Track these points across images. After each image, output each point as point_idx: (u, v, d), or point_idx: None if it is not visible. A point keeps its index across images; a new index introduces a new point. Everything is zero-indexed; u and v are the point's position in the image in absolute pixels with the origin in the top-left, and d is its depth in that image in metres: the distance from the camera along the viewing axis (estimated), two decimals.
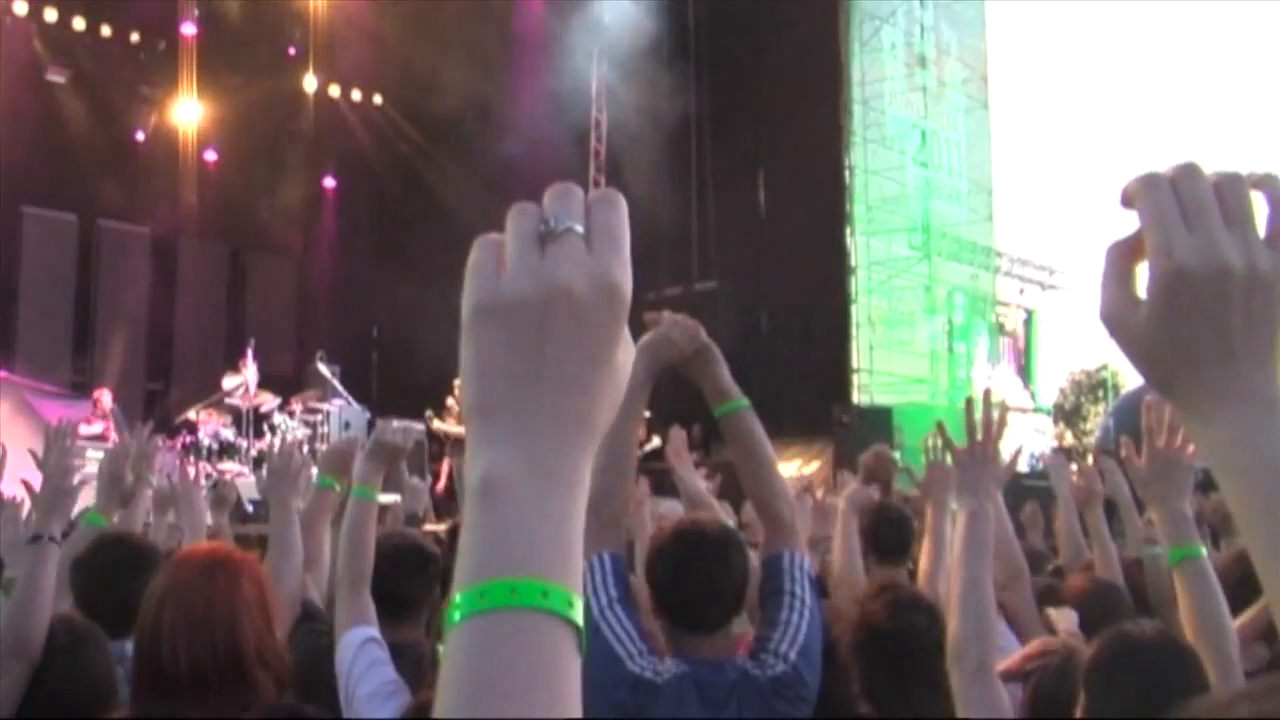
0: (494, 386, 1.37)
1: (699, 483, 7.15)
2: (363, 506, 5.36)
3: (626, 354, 1.45)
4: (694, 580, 4.29)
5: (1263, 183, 1.57)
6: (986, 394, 4.37)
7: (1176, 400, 1.62)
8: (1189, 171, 1.58)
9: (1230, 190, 1.57)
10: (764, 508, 4.61)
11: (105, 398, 20.46)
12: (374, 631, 4.94)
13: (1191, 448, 4.28)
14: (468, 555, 1.31)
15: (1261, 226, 1.55)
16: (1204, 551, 4.31)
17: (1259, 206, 1.56)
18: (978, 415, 4.31)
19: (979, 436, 4.30)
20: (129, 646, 5.14)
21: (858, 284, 24.55)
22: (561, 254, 1.41)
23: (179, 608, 3.72)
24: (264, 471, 7.01)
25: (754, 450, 4.61)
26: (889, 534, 6.93)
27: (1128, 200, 1.60)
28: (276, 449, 6.34)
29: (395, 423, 6.06)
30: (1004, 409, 4.34)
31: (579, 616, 1.28)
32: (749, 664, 4.24)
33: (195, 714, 3.64)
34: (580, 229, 1.44)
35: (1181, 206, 1.57)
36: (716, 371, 4.62)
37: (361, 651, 4.54)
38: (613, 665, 4.14)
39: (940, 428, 4.47)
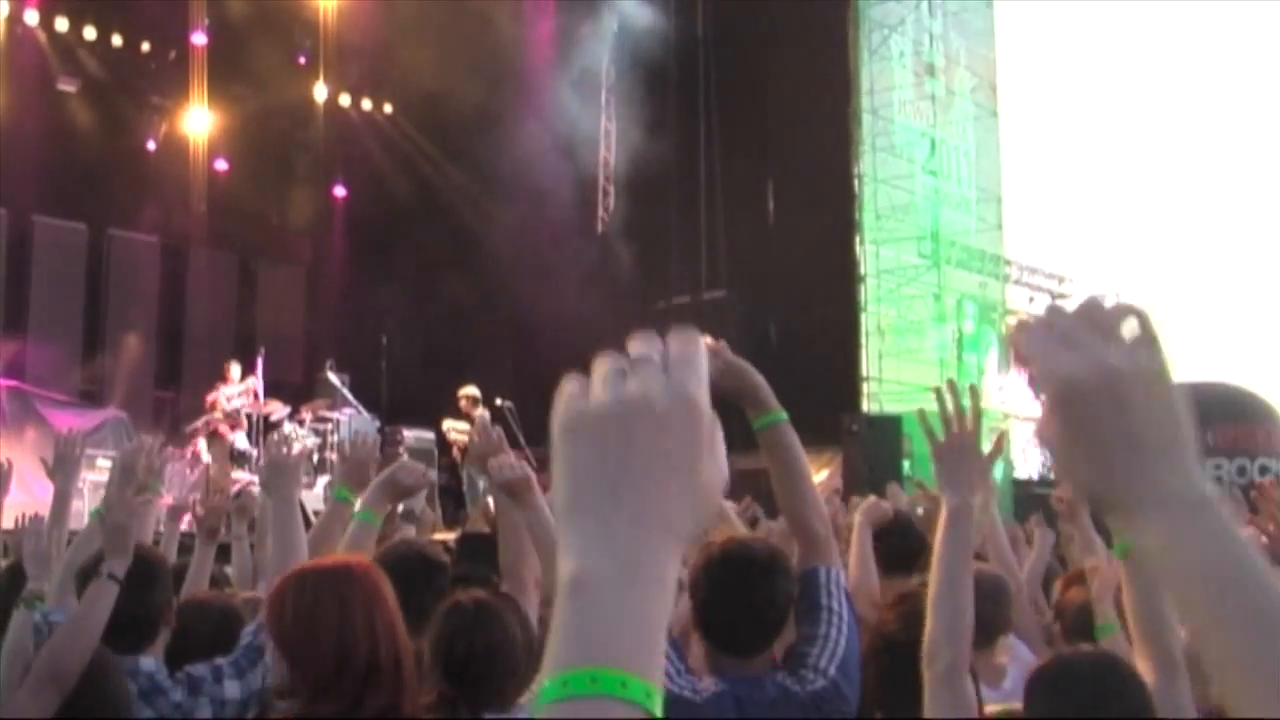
0: (582, 491, 1.47)
1: (723, 501, 7.11)
2: (365, 528, 5.45)
3: (714, 467, 1.54)
4: (738, 606, 4.28)
5: (1126, 308, 1.65)
6: (951, 384, 4.30)
7: (1105, 509, 1.68)
8: (1053, 309, 1.74)
9: (1095, 311, 1.71)
10: (799, 522, 4.61)
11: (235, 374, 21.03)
12: None
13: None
14: (556, 645, 1.40)
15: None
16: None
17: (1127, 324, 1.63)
18: (949, 406, 4.23)
19: (955, 428, 4.21)
20: (143, 663, 5.16)
21: (867, 292, 24.50)
22: (641, 376, 1.50)
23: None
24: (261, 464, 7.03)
25: (791, 464, 4.59)
26: (895, 546, 6.92)
27: (1018, 358, 1.75)
28: (273, 441, 6.34)
29: (414, 463, 6.05)
30: (976, 396, 4.27)
31: (657, 708, 1.36)
32: (788, 680, 4.24)
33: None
34: (657, 358, 1.52)
35: (1057, 335, 1.72)
36: (752, 383, 4.56)
37: None
38: None
39: (921, 415, 4.40)
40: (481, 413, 19.23)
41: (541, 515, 5.29)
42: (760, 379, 4.57)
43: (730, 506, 7.44)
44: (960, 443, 4.20)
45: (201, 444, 20.34)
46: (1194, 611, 1.59)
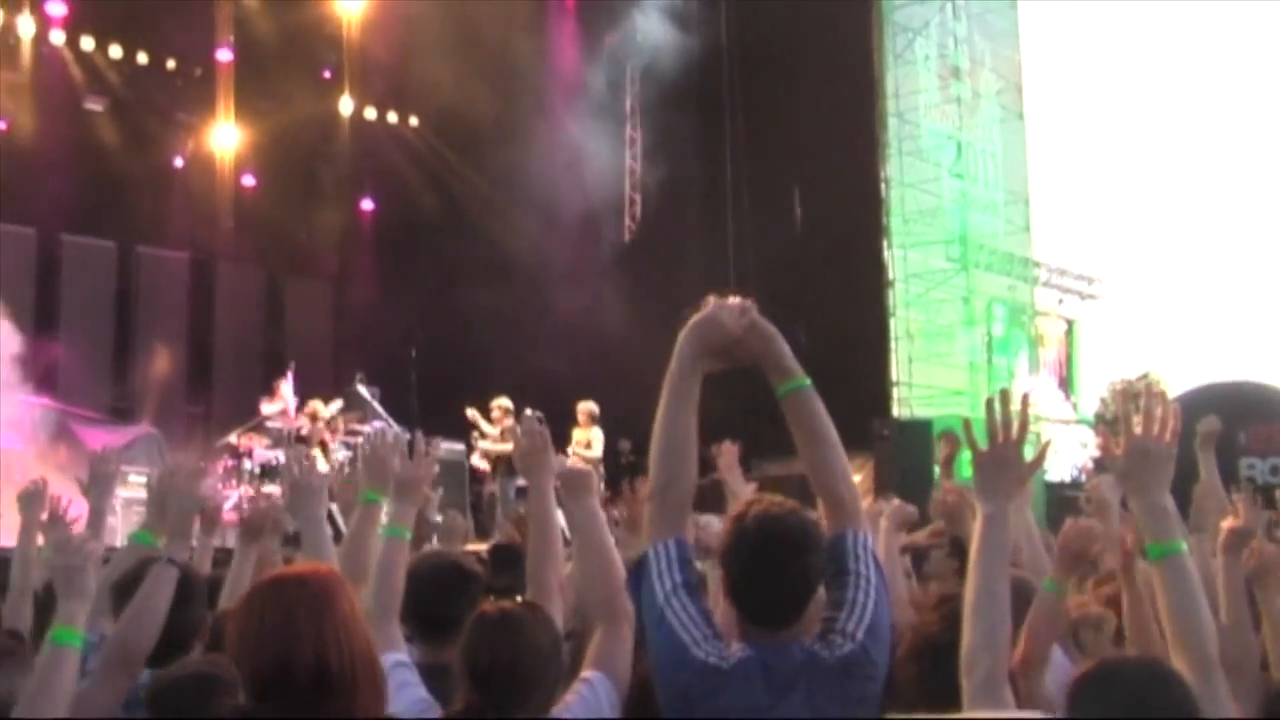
0: None
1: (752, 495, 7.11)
2: (395, 545, 5.46)
3: None
4: (768, 578, 4.25)
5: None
6: (1004, 394, 4.27)
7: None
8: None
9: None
10: (824, 488, 4.57)
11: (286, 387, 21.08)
12: (402, 656, 5.01)
13: (1170, 435, 4.25)
14: None
15: None
16: (1185, 547, 4.25)
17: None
18: (999, 415, 4.19)
19: (1000, 437, 4.18)
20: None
21: (895, 297, 24.48)
22: None
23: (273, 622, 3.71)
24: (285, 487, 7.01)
25: (816, 430, 4.58)
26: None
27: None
28: (291, 463, 6.32)
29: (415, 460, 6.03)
30: (1025, 406, 4.22)
31: None
32: (817, 645, 4.21)
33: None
34: None
35: None
36: (777, 349, 4.62)
37: (390, 675, 4.53)
38: (679, 652, 4.16)
39: (966, 426, 4.38)
40: (513, 424, 19.18)
41: (594, 518, 5.29)
42: (785, 345, 4.63)
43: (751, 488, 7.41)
44: (1003, 452, 4.17)
45: (316, 453, 20.31)
46: None
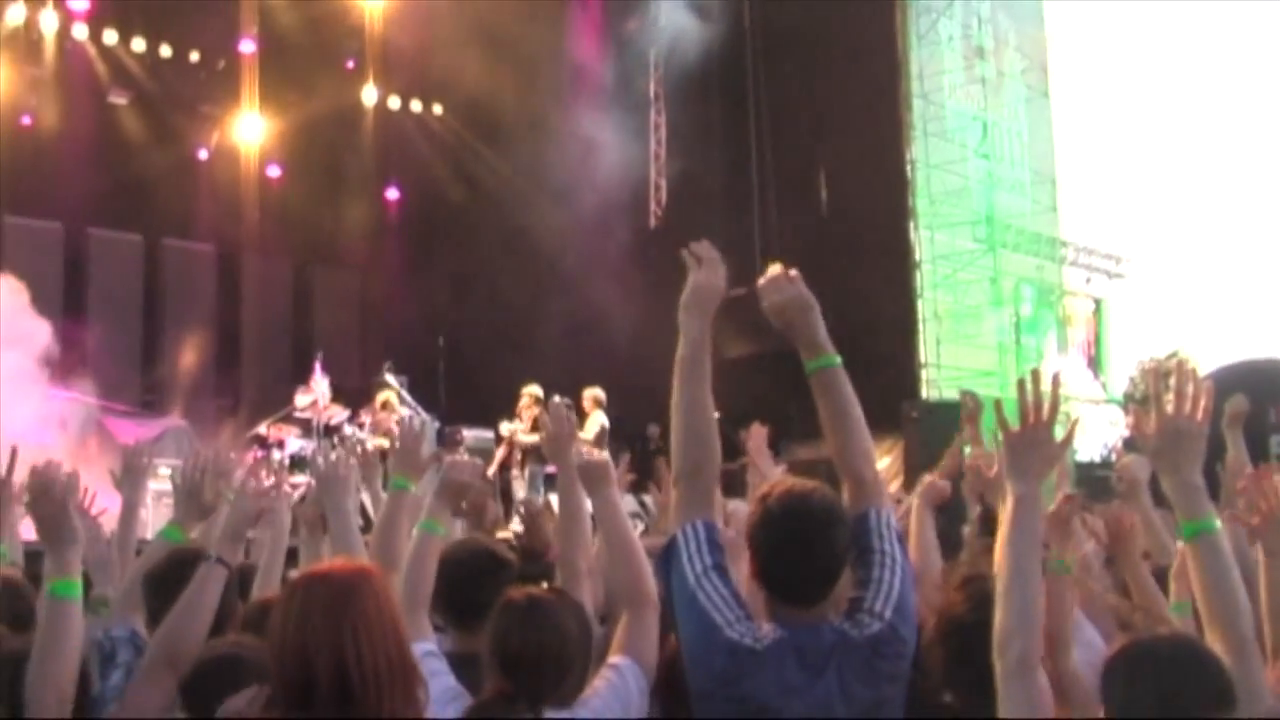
0: None
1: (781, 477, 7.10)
2: (428, 540, 5.44)
3: None
4: (796, 556, 4.28)
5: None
6: (1035, 374, 4.25)
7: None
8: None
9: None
10: (847, 467, 4.61)
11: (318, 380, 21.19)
12: (431, 646, 4.98)
13: (1202, 414, 4.24)
14: None
15: None
16: (1218, 525, 4.24)
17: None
18: (1030, 395, 4.17)
19: (1031, 418, 4.16)
20: None
21: (923, 279, 24.41)
22: None
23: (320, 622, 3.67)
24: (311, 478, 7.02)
25: (842, 408, 4.62)
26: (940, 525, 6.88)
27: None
28: (319, 455, 6.31)
29: (463, 459, 6.04)
30: (1056, 387, 4.20)
31: None
32: (846, 625, 4.26)
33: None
34: None
35: None
36: (813, 323, 4.65)
37: (420, 664, 4.53)
38: (711, 633, 4.20)
39: (998, 407, 4.38)
40: (542, 411, 19.19)
41: (613, 508, 5.32)
42: (820, 322, 4.64)
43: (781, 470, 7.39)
44: (1034, 433, 4.15)
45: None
46: None
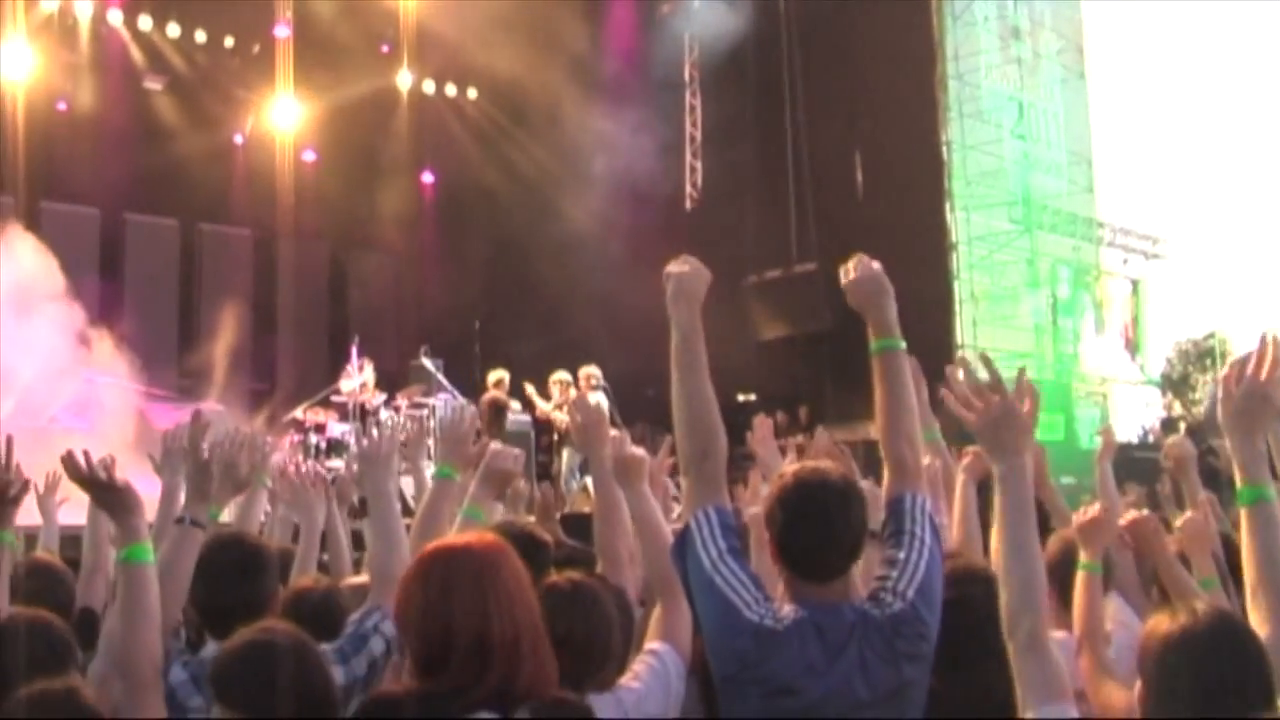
0: None
1: (782, 465, 7.12)
2: (471, 527, 5.48)
3: None
4: (813, 531, 4.35)
5: None
6: (983, 358, 4.34)
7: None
8: None
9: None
10: (891, 448, 4.75)
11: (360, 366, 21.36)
12: None
13: None
14: None
15: None
16: (1275, 495, 4.27)
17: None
18: (981, 376, 4.26)
19: (979, 402, 4.20)
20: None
21: (959, 260, 24.34)
22: None
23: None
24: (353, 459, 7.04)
25: (896, 392, 4.81)
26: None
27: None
28: (359, 436, 6.36)
29: (507, 448, 6.06)
30: (989, 363, 4.30)
31: None
32: (867, 604, 4.35)
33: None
34: None
35: None
36: (884, 304, 4.92)
37: None
38: (731, 616, 4.26)
39: (961, 365, 4.44)
40: (576, 397, 19.24)
41: (645, 501, 5.38)
42: (894, 306, 4.92)
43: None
44: (992, 413, 4.17)
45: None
46: None
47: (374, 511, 5.74)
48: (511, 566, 3.91)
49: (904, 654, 4.28)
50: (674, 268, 4.89)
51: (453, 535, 4.67)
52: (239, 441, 6.25)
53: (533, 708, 3.78)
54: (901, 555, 4.45)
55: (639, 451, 5.57)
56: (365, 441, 5.96)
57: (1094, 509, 5.80)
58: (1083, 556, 5.65)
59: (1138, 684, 3.85)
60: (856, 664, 4.20)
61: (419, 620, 3.81)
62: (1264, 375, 4.25)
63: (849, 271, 5.01)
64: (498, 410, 20.24)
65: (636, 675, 4.64)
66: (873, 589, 4.42)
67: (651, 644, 4.84)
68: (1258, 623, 4.10)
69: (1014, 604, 3.96)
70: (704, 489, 4.52)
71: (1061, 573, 5.53)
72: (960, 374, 4.36)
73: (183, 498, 5.83)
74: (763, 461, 7.24)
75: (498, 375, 21.06)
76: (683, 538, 4.49)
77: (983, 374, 4.28)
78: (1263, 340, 4.25)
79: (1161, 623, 3.81)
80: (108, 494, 4.81)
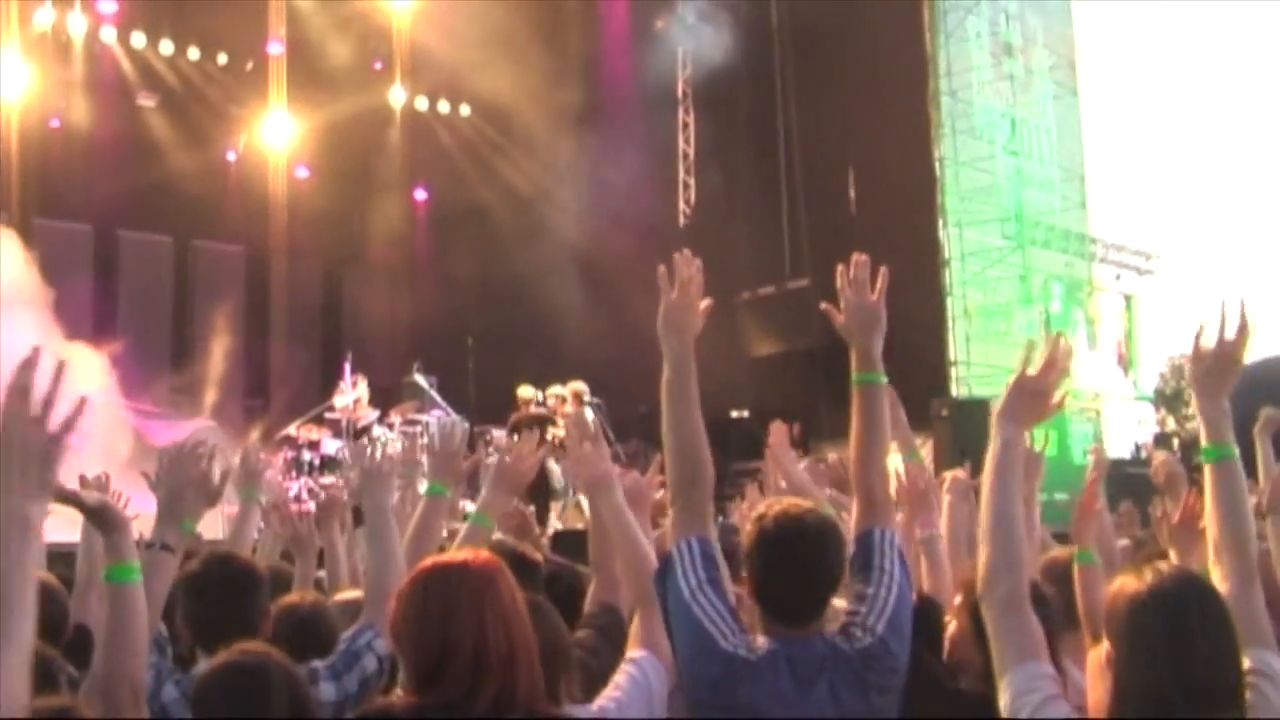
0: None
1: (802, 475, 7.22)
2: (478, 533, 5.71)
3: None
4: (790, 576, 4.43)
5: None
6: (1058, 337, 4.42)
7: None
8: None
9: None
10: (862, 482, 4.85)
11: (354, 382, 21.30)
12: None
13: (1244, 341, 4.41)
14: None
15: None
16: (1237, 453, 4.41)
17: None
18: (1036, 353, 4.27)
19: (1043, 370, 4.23)
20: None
21: (952, 276, 24.39)
22: None
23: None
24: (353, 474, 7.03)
25: (873, 426, 4.89)
26: None
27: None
28: (357, 452, 6.34)
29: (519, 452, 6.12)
30: (1068, 350, 4.34)
31: None
32: (838, 638, 4.43)
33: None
34: None
35: None
36: (874, 338, 4.98)
37: None
38: (706, 644, 4.35)
39: (1029, 347, 4.49)
40: (574, 411, 19.24)
41: (620, 514, 5.37)
42: (881, 341, 4.97)
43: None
44: (1041, 382, 4.23)
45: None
46: None
47: (371, 528, 5.74)
48: (507, 583, 3.96)
49: (874, 686, 4.38)
50: (667, 293, 4.93)
51: (450, 552, 4.68)
52: (206, 453, 6.24)
53: None
54: (870, 590, 4.55)
55: (603, 466, 5.59)
56: (366, 458, 5.96)
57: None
58: (1081, 547, 5.76)
59: (1103, 645, 3.86)
60: (827, 695, 4.30)
61: (416, 634, 3.85)
62: (1233, 336, 4.38)
63: (855, 289, 5.07)
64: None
65: (617, 685, 4.65)
66: (843, 623, 4.51)
67: (632, 652, 4.85)
68: (1218, 579, 4.20)
69: (995, 564, 4.01)
70: (688, 519, 4.60)
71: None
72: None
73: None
74: (781, 466, 7.26)
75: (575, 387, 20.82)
76: (665, 565, 4.59)
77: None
78: (1223, 305, 4.36)
79: (1129, 583, 3.81)
80: (90, 513, 4.81)
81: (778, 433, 7.48)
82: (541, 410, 20.47)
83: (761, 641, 4.37)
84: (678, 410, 4.71)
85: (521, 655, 3.83)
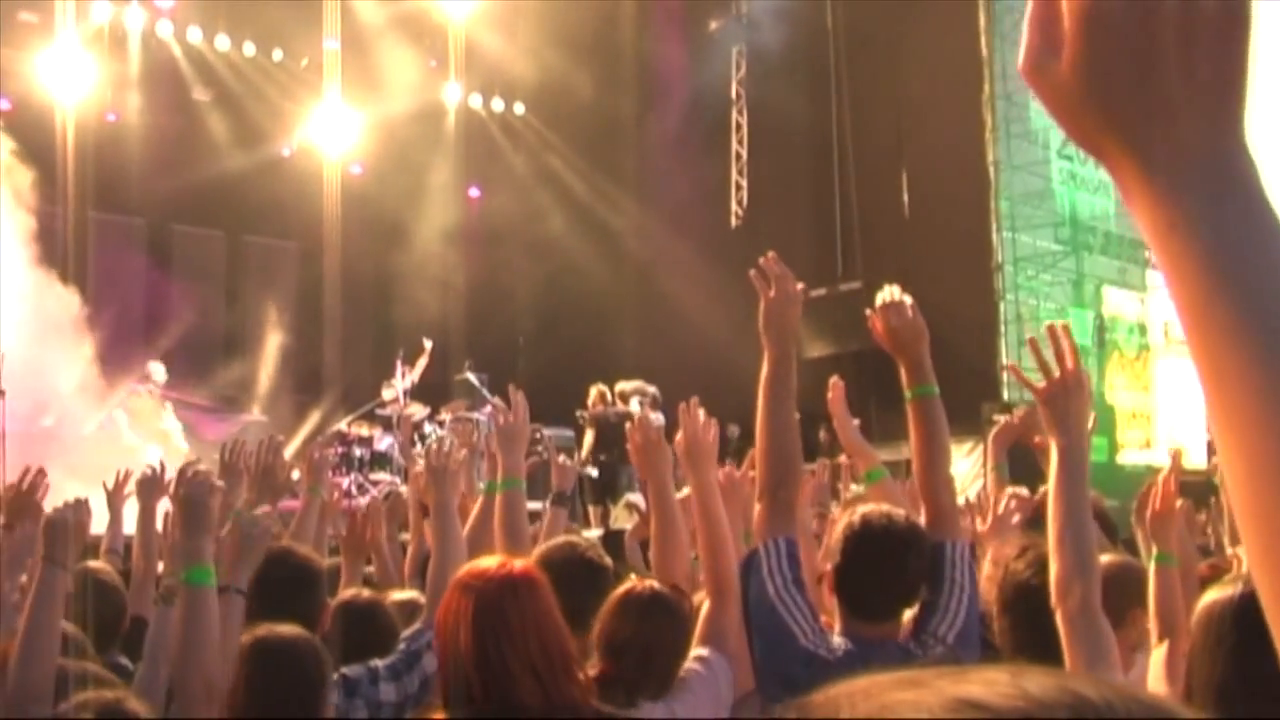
0: None
1: (857, 433, 7.40)
2: (517, 498, 6.00)
3: None
4: (874, 577, 4.56)
5: None
6: (1051, 329, 4.35)
7: (1109, 170, 1.33)
8: None
9: None
10: (930, 494, 4.90)
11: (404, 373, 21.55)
12: None
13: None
14: None
15: None
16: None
17: None
18: (1047, 353, 4.24)
19: (1055, 371, 4.21)
20: None
21: (1005, 281, 24.34)
22: None
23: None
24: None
25: (933, 437, 4.93)
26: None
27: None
28: (434, 449, 6.36)
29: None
30: (1070, 337, 4.29)
31: None
32: (911, 644, 4.55)
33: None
34: None
35: None
36: (922, 349, 4.96)
37: None
38: (787, 641, 4.45)
39: (1014, 371, 4.57)
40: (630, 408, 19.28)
41: (712, 491, 5.45)
42: (928, 350, 4.97)
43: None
44: (1067, 382, 4.20)
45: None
46: (1193, 316, 1.20)
47: (438, 525, 5.78)
48: (541, 592, 3.95)
49: None
50: (764, 292, 4.92)
51: (489, 559, 4.67)
52: (274, 448, 6.29)
53: None
54: (943, 601, 4.64)
55: (707, 437, 5.62)
56: (435, 455, 6.01)
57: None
58: (1155, 549, 5.55)
59: (1165, 645, 3.89)
60: None
61: (451, 639, 3.85)
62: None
63: (888, 315, 5.01)
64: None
65: (686, 684, 4.72)
66: (915, 630, 4.61)
67: (700, 650, 4.90)
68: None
69: (1069, 571, 4.00)
70: (777, 518, 4.65)
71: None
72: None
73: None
74: (838, 419, 7.31)
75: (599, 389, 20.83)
76: (749, 562, 4.65)
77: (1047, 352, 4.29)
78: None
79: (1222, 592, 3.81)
80: (194, 510, 4.83)
81: (836, 388, 7.51)
82: (617, 408, 20.48)
83: (839, 642, 4.46)
84: (773, 408, 4.76)
85: (559, 664, 3.84)
